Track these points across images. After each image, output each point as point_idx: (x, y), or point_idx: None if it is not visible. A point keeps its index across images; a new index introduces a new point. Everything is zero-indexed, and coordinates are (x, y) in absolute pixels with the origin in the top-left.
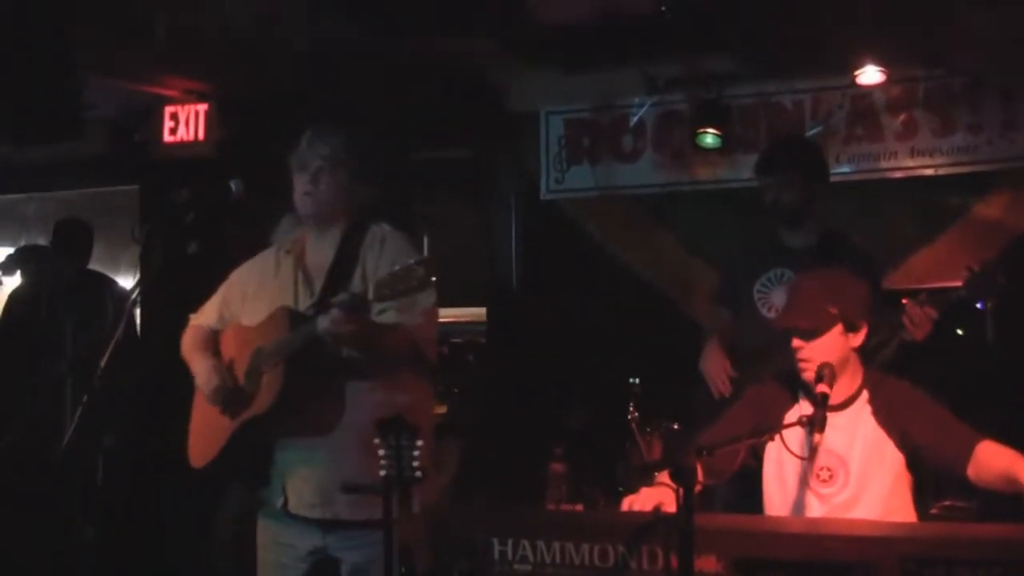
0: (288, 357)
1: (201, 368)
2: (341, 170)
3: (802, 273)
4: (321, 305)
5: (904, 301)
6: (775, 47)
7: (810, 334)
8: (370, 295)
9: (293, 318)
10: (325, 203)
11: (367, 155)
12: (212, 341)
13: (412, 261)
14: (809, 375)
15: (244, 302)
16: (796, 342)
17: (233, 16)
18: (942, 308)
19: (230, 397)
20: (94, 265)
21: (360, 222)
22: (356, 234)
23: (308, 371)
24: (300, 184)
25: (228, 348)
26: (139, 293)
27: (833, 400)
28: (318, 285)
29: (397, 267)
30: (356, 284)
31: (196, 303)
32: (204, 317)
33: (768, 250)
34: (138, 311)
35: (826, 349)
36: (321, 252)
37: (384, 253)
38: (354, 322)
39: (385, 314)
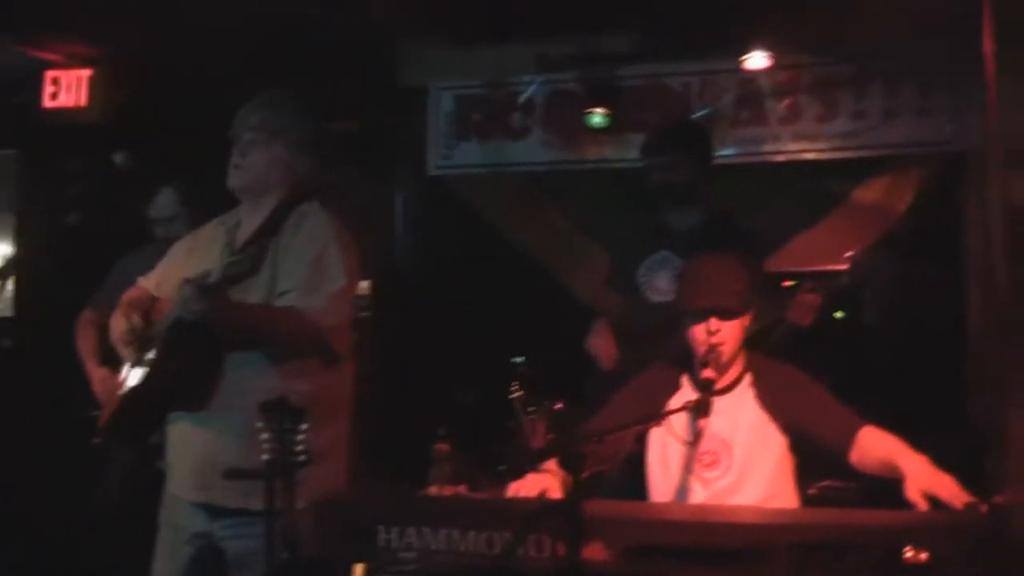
0: (169, 332)
1: (113, 318)
2: (272, 142)
3: (701, 254)
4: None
5: (787, 284)
6: (666, 28)
7: (731, 314)
8: (212, 277)
9: None
10: (253, 177)
11: (303, 127)
12: (143, 301)
13: (252, 249)
14: (724, 358)
15: (176, 272)
16: (714, 323)
17: None
18: (827, 295)
19: (134, 355)
20: None
21: (293, 198)
22: (285, 210)
23: (188, 348)
24: (232, 157)
25: (160, 315)
26: (15, 263)
27: (717, 384)
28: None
29: (234, 256)
30: (268, 262)
31: (77, 275)
32: (145, 279)
33: (653, 232)
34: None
35: (736, 331)
36: (250, 227)
37: (298, 234)
38: (208, 303)
39: (285, 296)
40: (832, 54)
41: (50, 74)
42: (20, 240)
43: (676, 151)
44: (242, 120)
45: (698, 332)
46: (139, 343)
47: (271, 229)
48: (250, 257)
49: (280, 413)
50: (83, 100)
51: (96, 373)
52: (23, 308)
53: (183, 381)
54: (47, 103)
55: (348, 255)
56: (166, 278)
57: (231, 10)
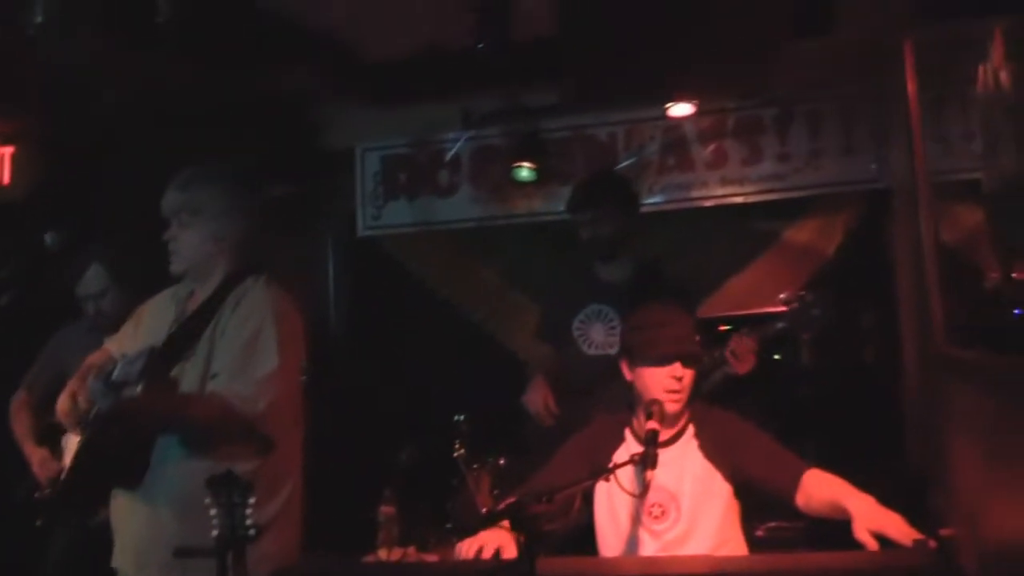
0: (93, 418)
1: (63, 392)
2: (198, 221)
3: (648, 305)
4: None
5: (722, 328)
6: (591, 83)
7: (694, 360)
8: (115, 375)
9: None
10: (190, 258)
11: (227, 200)
12: (102, 368)
13: (149, 349)
14: (676, 407)
15: (137, 335)
16: (678, 369)
17: (47, 59)
18: (763, 341)
19: (81, 430)
20: None
21: (237, 274)
22: (225, 289)
23: (113, 433)
24: (169, 243)
25: None
26: None
27: (661, 436)
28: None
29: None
30: (203, 341)
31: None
32: (111, 342)
33: (585, 285)
34: None
35: (691, 380)
36: (197, 302)
37: (236, 313)
38: (114, 400)
39: (215, 380)
40: (755, 98)
41: None
42: None
43: (602, 205)
44: (165, 206)
45: (662, 380)
46: (80, 421)
47: (214, 306)
48: (139, 361)
49: (228, 487)
50: (5, 178)
51: (35, 455)
52: None
53: (117, 460)
54: None
55: (286, 334)
56: (125, 341)
57: (153, 80)
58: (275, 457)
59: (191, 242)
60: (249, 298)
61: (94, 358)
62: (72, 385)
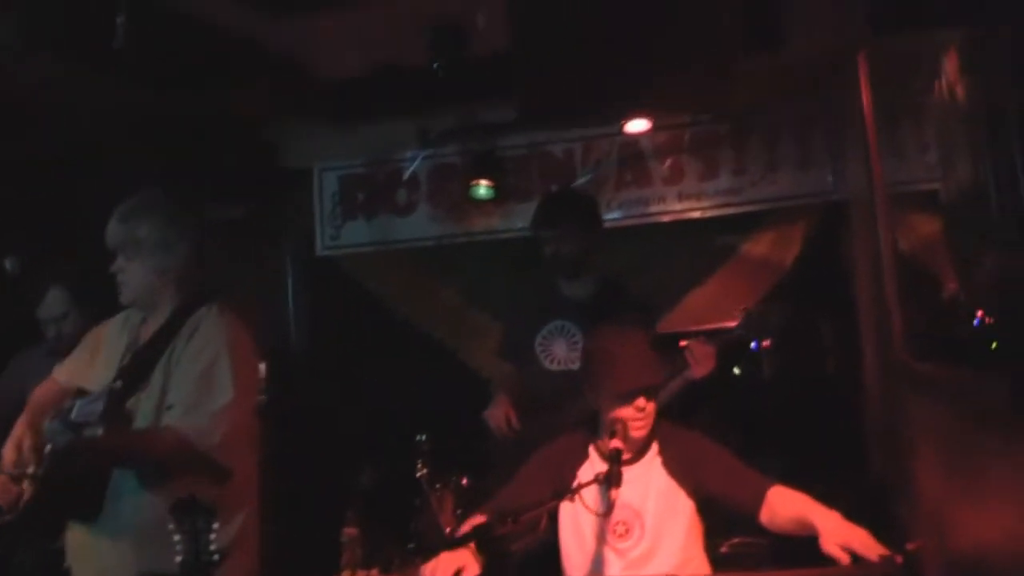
0: (49, 456)
1: (10, 436)
2: (142, 253)
3: (608, 332)
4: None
5: (683, 343)
6: (546, 101)
7: (656, 391)
8: (74, 415)
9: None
10: (138, 289)
11: (169, 229)
12: (51, 402)
13: (105, 390)
14: (641, 433)
15: (86, 364)
16: (641, 402)
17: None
18: (721, 346)
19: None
20: None
21: (188, 304)
22: (178, 319)
23: (69, 469)
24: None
25: None
26: None
27: (624, 454)
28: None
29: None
30: (158, 372)
31: None
32: (59, 371)
33: (547, 302)
34: None
35: (654, 409)
36: (149, 332)
37: (190, 344)
38: (73, 438)
39: (170, 413)
40: (710, 112)
41: None
42: None
43: (564, 223)
44: (109, 239)
45: (625, 413)
46: (32, 472)
47: (168, 336)
48: (99, 401)
49: (192, 513)
50: None
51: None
52: None
53: (74, 494)
54: None
55: (241, 364)
56: (76, 370)
57: (110, 102)
58: (231, 484)
59: (137, 274)
60: (203, 329)
61: (41, 391)
62: (17, 432)
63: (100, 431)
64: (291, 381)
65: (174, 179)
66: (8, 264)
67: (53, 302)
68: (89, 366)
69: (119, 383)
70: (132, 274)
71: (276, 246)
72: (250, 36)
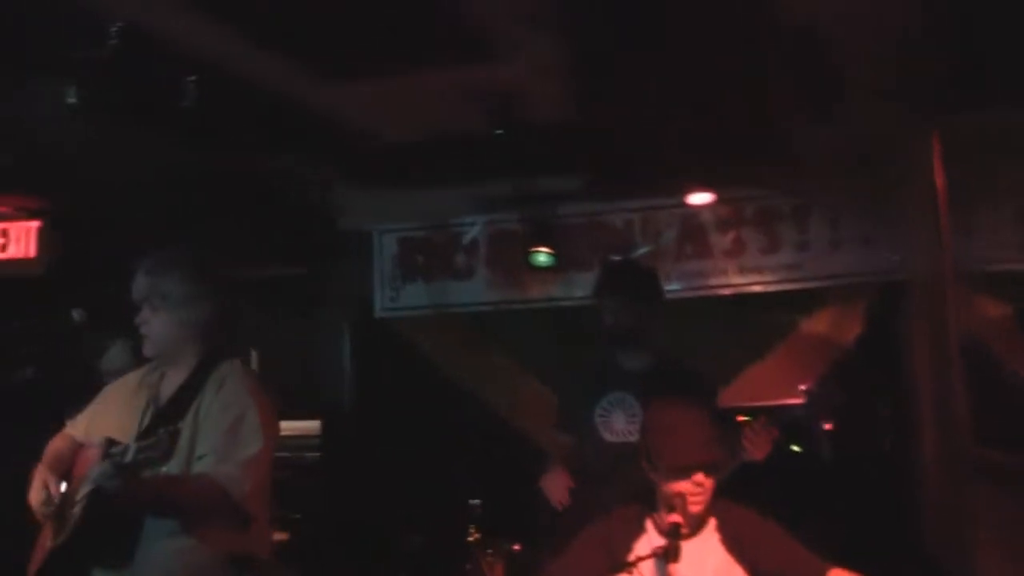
0: (87, 501)
1: (34, 481)
2: (166, 307)
3: (667, 406)
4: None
5: (740, 419)
6: (608, 173)
7: (715, 468)
8: (128, 456)
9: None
10: (161, 343)
11: (195, 284)
12: (66, 457)
13: (168, 430)
14: (698, 508)
15: (103, 420)
16: (699, 478)
17: (67, 140)
18: (781, 428)
19: (53, 517)
20: None
21: (212, 358)
22: (203, 372)
23: (105, 516)
24: (140, 327)
25: (82, 467)
26: None
27: (682, 528)
28: (147, 421)
29: (153, 437)
30: (187, 424)
31: (31, 427)
32: (73, 426)
33: (605, 373)
34: None
35: (714, 483)
36: (172, 383)
37: (218, 397)
38: (122, 481)
39: (202, 461)
40: (774, 187)
41: None
42: None
43: (625, 293)
44: (134, 292)
45: (683, 487)
46: (57, 510)
47: (192, 391)
48: (160, 443)
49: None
50: (31, 252)
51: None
52: None
53: (103, 542)
54: None
55: (267, 417)
56: (93, 425)
57: (178, 163)
58: (251, 537)
59: (162, 327)
60: (230, 383)
61: (56, 443)
62: (41, 475)
63: (164, 470)
64: (346, 441)
65: (233, 238)
66: (75, 315)
67: (117, 356)
68: (105, 420)
69: (170, 427)
70: (156, 327)
71: (335, 306)
72: (313, 101)
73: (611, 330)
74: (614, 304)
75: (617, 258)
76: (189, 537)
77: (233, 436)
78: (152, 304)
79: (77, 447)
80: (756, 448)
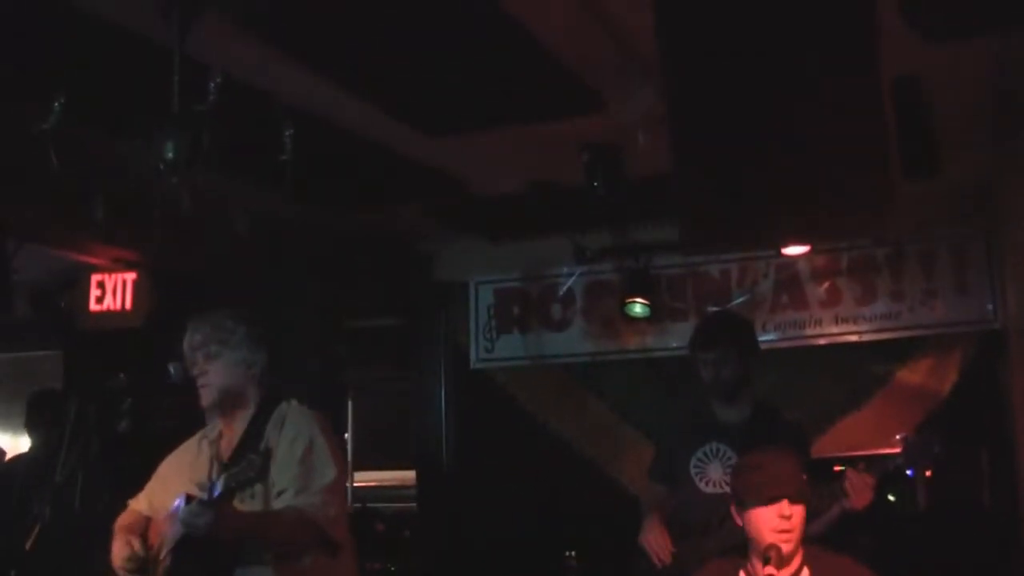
0: (176, 548)
1: (115, 544)
2: (228, 349)
3: (759, 447)
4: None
5: (837, 468)
6: (702, 224)
7: (802, 497)
8: (216, 490)
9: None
10: (221, 387)
11: (252, 330)
12: (139, 524)
13: (258, 450)
14: (789, 547)
15: (167, 490)
16: (786, 507)
17: (171, 194)
18: (881, 476)
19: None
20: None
21: (269, 401)
22: (263, 414)
23: (196, 561)
24: (197, 380)
25: (155, 534)
26: (65, 473)
27: None
28: (218, 470)
29: (244, 461)
30: (259, 465)
31: (126, 480)
32: (136, 502)
33: (702, 424)
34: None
35: (801, 520)
36: (232, 436)
37: (283, 435)
38: (212, 517)
39: (282, 497)
40: (869, 237)
41: (95, 277)
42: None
43: (724, 345)
44: (188, 344)
45: (770, 519)
46: (142, 566)
47: (255, 435)
48: (252, 464)
49: None
50: (128, 303)
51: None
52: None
53: None
54: (93, 306)
55: (333, 447)
56: (156, 498)
57: (272, 218)
58: (342, 559)
59: (222, 371)
60: (291, 419)
61: (124, 519)
62: (122, 534)
63: (256, 490)
64: (441, 491)
65: (331, 289)
66: (171, 369)
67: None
68: (167, 492)
69: (253, 457)
70: (216, 372)
71: (432, 357)
72: (412, 152)
73: (710, 382)
74: (712, 356)
75: (714, 310)
76: (287, 572)
77: (307, 467)
78: (208, 352)
79: (146, 519)
80: (857, 495)
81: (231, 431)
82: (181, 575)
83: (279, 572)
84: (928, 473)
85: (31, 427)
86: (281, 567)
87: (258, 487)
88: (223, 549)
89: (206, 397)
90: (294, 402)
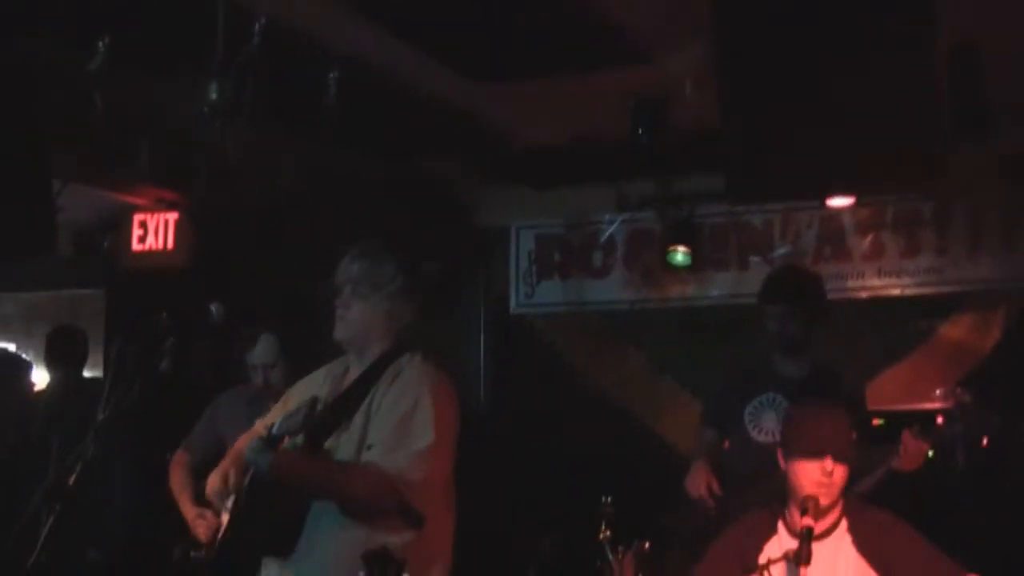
0: (249, 481)
1: (214, 471)
2: (373, 295)
3: (810, 400)
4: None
5: (876, 422)
6: (749, 174)
7: (845, 459)
8: (275, 429)
9: None
10: (356, 329)
11: (403, 278)
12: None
13: (307, 402)
14: (827, 501)
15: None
16: (829, 464)
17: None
18: (936, 443)
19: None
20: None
21: (395, 350)
22: (384, 361)
23: (267, 498)
24: (336, 308)
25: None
26: (109, 412)
27: (815, 529)
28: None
29: (294, 407)
30: (359, 415)
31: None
32: (263, 422)
33: (761, 374)
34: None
35: (843, 477)
36: (350, 379)
37: (392, 388)
38: (273, 457)
39: (370, 452)
40: (916, 192)
41: (138, 217)
42: (114, 389)
43: (793, 301)
44: (343, 271)
45: (812, 472)
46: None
47: (370, 380)
48: (299, 413)
49: (382, 563)
50: (170, 243)
51: (190, 512)
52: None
53: (268, 528)
54: (135, 246)
55: (442, 411)
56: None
57: (319, 161)
58: (426, 537)
59: (363, 314)
60: (405, 374)
61: (245, 440)
62: (224, 465)
63: (300, 440)
64: (478, 434)
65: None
66: (213, 309)
67: (265, 349)
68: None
69: (320, 407)
70: (358, 313)
71: (472, 302)
72: (455, 102)
73: (778, 336)
74: (779, 310)
75: (785, 264)
76: (358, 529)
77: (404, 427)
78: (360, 290)
79: None
80: (909, 458)
81: (356, 370)
82: (250, 514)
83: (355, 531)
84: (984, 443)
85: (49, 363)
86: (357, 527)
87: (352, 435)
88: (291, 495)
89: (340, 330)
90: (417, 357)
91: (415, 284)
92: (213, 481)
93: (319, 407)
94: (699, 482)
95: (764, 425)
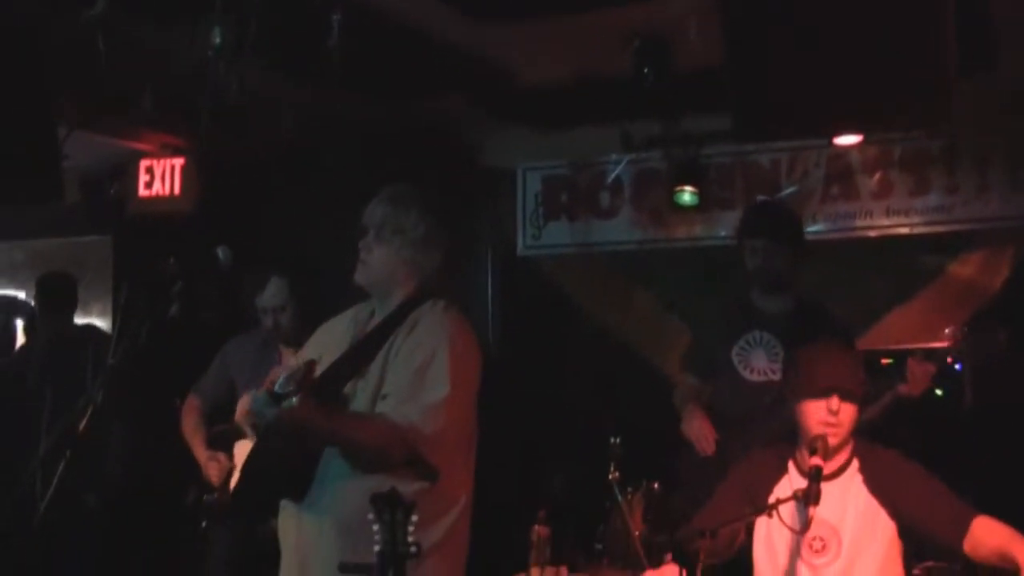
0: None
1: (240, 401)
2: (396, 239)
3: (814, 340)
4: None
5: (885, 361)
6: (755, 112)
7: (853, 396)
8: (277, 387)
9: None
10: (378, 273)
11: (428, 224)
12: None
13: (303, 366)
14: (836, 440)
15: (314, 353)
16: (835, 402)
17: (218, 81)
18: (941, 364)
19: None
20: None
21: (417, 296)
22: (406, 308)
23: (279, 444)
24: (360, 251)
25: None
26: (118, 357)
27: (824, 469)
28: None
29: (295, 364)
30: (377, 362)
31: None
32: (295, 359)
33: (744, 314)
34: None
35: (851, 416)
36: (371, 324)
37: (411, 336)
38: (278, 410)
39: (384, 402)
40: (924, 129)
41: (144, 163)
42: (123, 334)
43: (772, 237)
44: (368, 215)
45: (819, 412)
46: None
47: (390, 327)
48: (296, 375)
49: (391, 505)
50: (176, 189)
51: (203, 456)
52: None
53: (282, 473)
54: (142, 192)
55: (460, 362)
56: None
57: (318, 102)
58: (443, 482)
59: (385, 259)
60: (424, 322)
61: (277, 371)
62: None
63: (295, 401)
64: (487, 376)
65: (376, 177)
66: (220, 253)
67: (275, 292)
68: (317, 354)
69: (328, 362)
70: (379, 257)
71: (478, 244)
72: (458, 42)
73: (758, 272)
74: (758, 246)
75: (761, 199)
76: (370, 478)
77: (419, 379)
78: (382, 235)
79: None
80: (915, 382)
81: (379, 314)
82: (263, 461)
83: (367, 480)
84: (993, 360)
85: (41, 309)
86: (363, 481)
87: (368, 384)
88: (302, 443)
89: (361, 274)
90: (440, 304)
91: (439, 233)
92: (243, 405)
93: (309, 364)
94: (698, 428)
95: (754, 364)
